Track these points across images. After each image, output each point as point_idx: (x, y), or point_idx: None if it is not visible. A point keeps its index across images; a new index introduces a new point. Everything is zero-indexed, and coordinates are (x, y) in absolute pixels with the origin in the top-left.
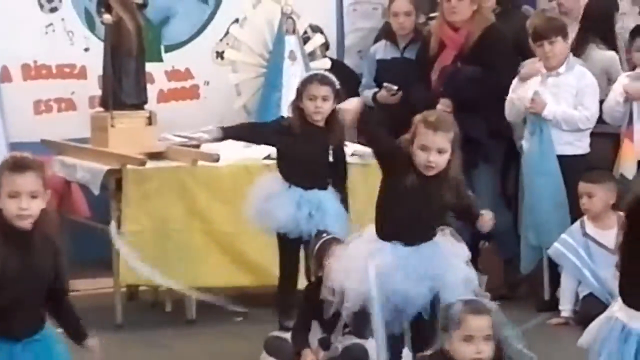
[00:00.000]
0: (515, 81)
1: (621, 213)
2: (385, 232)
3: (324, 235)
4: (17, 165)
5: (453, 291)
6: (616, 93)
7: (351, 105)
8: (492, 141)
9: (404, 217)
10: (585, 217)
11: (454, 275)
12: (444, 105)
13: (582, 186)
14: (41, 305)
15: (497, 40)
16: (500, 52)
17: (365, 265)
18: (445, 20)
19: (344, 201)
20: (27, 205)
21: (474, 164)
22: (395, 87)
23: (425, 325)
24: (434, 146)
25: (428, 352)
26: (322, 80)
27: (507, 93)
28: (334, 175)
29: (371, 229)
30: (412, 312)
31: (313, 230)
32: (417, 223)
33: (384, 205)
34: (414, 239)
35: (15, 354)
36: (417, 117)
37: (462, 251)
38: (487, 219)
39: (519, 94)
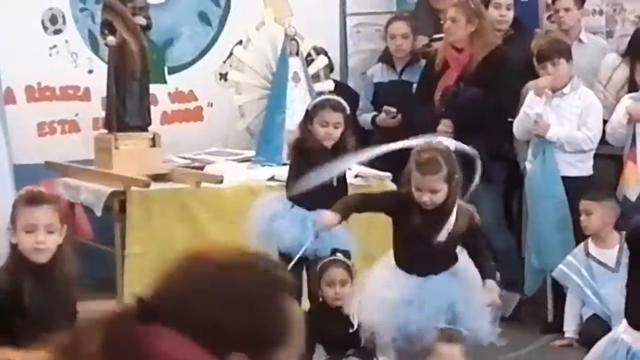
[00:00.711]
0: (529, 96)
1: (623, 232)
2: (401, 264)
3: (334, 255)
4: (33, 199)
5: (471, 318)
6: (619, 114)
7: (327, 221)
8: (494, 163)
9: (415, 251)
10: (589, 239)
11: (472, 303)
12: (444, 126)
13: (582, 204)
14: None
15: (500, 63)
16: (503, 74)
17: (382, 296)
18: (449, 36)
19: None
20: (44, 239)
21: (483, 184)
22: (395, 110)
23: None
24: (426, 188)
25: None
26: (335, 107)
27: (508, 115)
28: (337, 197)
29: (390, 256)
30: (428, 342)
31: (318, 250)
32: (428, 256)
33: (395, 240)
34: (428, 270)
35: None
36: (411, 157)
37: (478, 279)
38: (490, 290)
39: (533, 109)
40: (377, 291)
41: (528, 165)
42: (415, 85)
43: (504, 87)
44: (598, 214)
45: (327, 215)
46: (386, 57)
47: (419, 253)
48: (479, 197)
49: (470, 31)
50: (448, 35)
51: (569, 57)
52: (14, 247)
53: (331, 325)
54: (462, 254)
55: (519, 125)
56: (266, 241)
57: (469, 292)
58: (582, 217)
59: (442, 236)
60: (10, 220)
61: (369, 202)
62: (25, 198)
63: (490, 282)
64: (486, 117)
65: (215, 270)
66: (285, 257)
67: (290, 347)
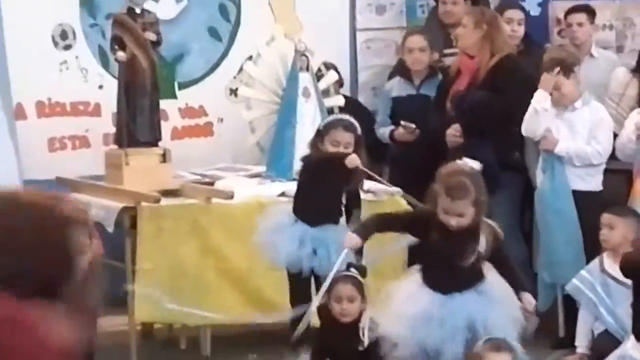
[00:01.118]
0: (538, 92)
1: None
2: (426, 280)
3: (347, 271)
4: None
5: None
6: (628, 130)
7: (353, 241)
8: (506, 172)
9: (438, 269)
10: (604, 254)
11: (494, 321)
12: (454, 130)
13: (605, 217)
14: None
15: (510, 69)
16: (513, 79)
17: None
18: (463, 49)
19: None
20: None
21: (493, 191)
22: (413, 126)
23: None
24: (454, 212)
25: None
26: (347, 127)
27: (517, 124)
28: (348, 215)
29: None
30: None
31: (318, 267)
32: (452, 274)
33: (419, 257)
34: (452, 288)
35: None
36: (439, 179)
37: (511, 295)
38: (528, 302)
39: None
40: (401, 305)
41: (538, 179)
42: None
43: (513, 94)
44: (620, 229)
45: (353, 237)
46: (403, 71)
47: (442, 271)
48: (493, 207)
49: (479, 36)
50: (459, 41)
51: (571, 72)
52: None
53: (340, 340)
54: (490, 271)
55: (526, 122)
56: (269, 252)
57: (495, 310)
58: (604, 231)
59: (470, 259)
60: None
61: (389, 223)
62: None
63: (527, 295)
64: (494, 121)
65: None
66: (293, 274)
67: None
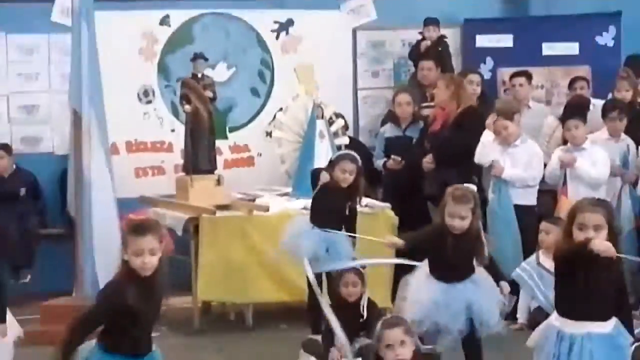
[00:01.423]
0: (485, 133)
1: None
2: (433, 273)
3: (352, 267)
4: (139, 230)
5: (485, 316)
6: (554, 161)
7: (394, 241)
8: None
9: (445, 265)
10: (540, 252)
11: (484, 306)
12: (428, 159)
13: (543, 224)
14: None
15: (471, 116)
16: (473, 123)
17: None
18: (438, 102)
19: (353, 241)
20: (149, 260)
21: None
22: (400, 158)
23: (471, 343)
24: (457, 215)
25: None
26: (352, 159)
27: (474, 153)
28: (348, 223)
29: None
30: (452, 334)
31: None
32: (455, 269)
33: (430, 257)
34: (454, 279)
35: None
36: (448, 191)
37: (493, 286)
38: (505, 288)
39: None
40: (415, 294)
41: (489, 196)
42: (415, 139)
43: (473, 134)
44: (553, 234)
45: (395, 239)
46: (393, 119)
47: (448, 267)
48: None
49: (449, 94)
50: (435, 98)
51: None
52: (125, 263)
53: (347, 314)
54: (478, 267)
55: (477, 153)
56: (293, 252)
57: (484, 295)
58: (541, 235)
59: (485, 260)
60: (122, 242)
61: (420, 239)
62: (132, 228)
63: (504, 283)
64: (457, 153)
65: None
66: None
67: None
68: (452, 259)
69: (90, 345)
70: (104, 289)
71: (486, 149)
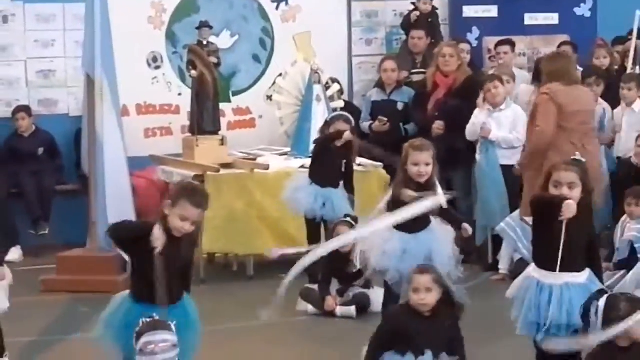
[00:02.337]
0: (475, 112)
1: None
2: (397, 225)
3: (344, 217)
4: (196, 201)
5: (442, 264)
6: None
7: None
8: (468, 152)
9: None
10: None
11: (443, 253)
12: (438, 125)
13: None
14: (182, 282)
15: (473, 85)
16: (475, 93)
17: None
18: (439, 69)
19: (352, 196)
20: (188, 228)
21: (458, 167)
22: (386, 119)
23: None
24: (422, 161)
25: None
26: (346, 120)
27: None
28: (345, 180)
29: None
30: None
31: (325, 215)
32: (416, 219)
33: (391, 208)
34: (415, 229)
35: (170, 313)
36: (406, 144)
37: (449, 235)
38: (465, 230)
39: (478, 118)
40: (381, 245)
41: (477, 157)
42: (401, 103)
43: (475, 101)
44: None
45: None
46: (380, 84)
47: (414, 220)
48: (456, 175)
49: (459, 63)
50: (445, 66)
51: (502, 82)
52: (164, 217)
53: (341, 265)
54: (435, 219)
55: (468, 131)
56: (292, 205)
57: (442, 243)
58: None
59: (442, 203)
60: (172, 198)
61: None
62: (191, 195)
63: (466, 225)
64: (465, 120)
65: None
66: (309, 219)
67: None
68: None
69: (122, 295)
70: (143, 222)
71: (475, 127)
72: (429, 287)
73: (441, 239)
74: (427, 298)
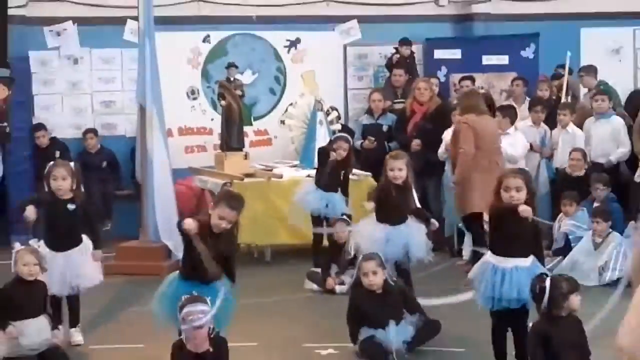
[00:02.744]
0: (445, 134)
1: None
2: (379, 219)
3: (341, 217)
4: (234, 205)
5: (417, 250)
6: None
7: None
8: (439, 165)
9: (389, 210)
10: None
11: (417, 242)
12: (415, 143)
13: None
14: (223, 270)
15: (444, 111)
16: (445, 117)
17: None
18: (416, 99)
19: (346, 199)
20: (225, 226)
21: (432, 177)
22: (373, 139)
23: (402, 267)
24: (396, 167)
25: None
26: (346, 140)
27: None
28: (342, 186)
29: (373, 216)
30: (392, 261)
31: (326, 213)
32: (396, 214)
33: (379, 207)
34: (395, 222)
35: (206, 290)
36: (387, 156)
37: (421, 228)
38: (434, 226)
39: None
40: (369, 234)
41: (446, 168)
42: (385, 126)
43: (447, 125)
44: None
45: (368, 204)
46: (369, 111)
47: (391, 212)
48: (431, 184)
49: (430, 95)
50: (420, 95)
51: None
52: (209, 215)
53: (339, 254)
54: (410, 217)
55: (440, 152)
56: (302, 205)
57: (416, 234)
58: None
59: (414, 204)
60: (216, 200)
61: (376, 195)
62: (230, 200)
63: (434, 221)
64: (438, 139)
65: None
66: (314, 216)
67: None
68: (394, 206)
69: (172, 275)
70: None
71: (443, 148)
72: (375, 270)
73: (415, 231)
74: (374, 279)
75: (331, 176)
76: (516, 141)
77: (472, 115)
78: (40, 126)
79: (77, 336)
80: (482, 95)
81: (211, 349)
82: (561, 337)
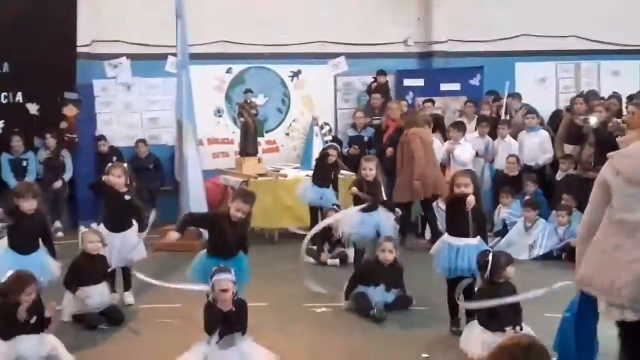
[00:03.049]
0: None
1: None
2: (358, 207)
3: (332, 206)
4: (247, 199)
5: (386, 231)
6: (442, 150)
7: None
8: None
9: (361, 201)
10: (439, 200)
11: (386, 225)
12: (389, 151)
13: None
14: (240, 246)
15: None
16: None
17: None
18: (390, 117)
19: (337, 192)
20: (240, 216)
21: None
22: (357, 147)
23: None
24: (367, 167)
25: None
26: (335, 148)
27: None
28: (333, 183)
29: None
30: (368, 238)
31: (322, 203)
32: (370, 204)
33: (355, 198)
34: (369, 210)
35: (230, 263)
36: (362, 159)
37: (389, 215)
38: (398, 213)
39: None
40: (352, 219)
41: None
42: (366, 137)
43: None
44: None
45: (353, 189)
46: (353, 125)
47: (363, 202)
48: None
49: (399, 113)
50: (392, 113)
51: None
52: (228, 208)
53: (330, 234)
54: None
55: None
56: (302, 198)
57: (385, 219)
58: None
59: (382, 196)
60: (233, 195)
61: (357, 187)
62: (244, 195)
63: (397, 209)
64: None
65: None
66: (313, 207)
67: None
68: (368, 196)
69: (201, 253)
70: (215, 211)
71: None
72: (391, 249)
73: (384, 217)
74: (389, 256)
75: (326, 175)
76: (465, 149)
77: (415, 128)
78: (102, 137)
79: (129, 298)
80: (418, 113)
81: (234, 309)
82: (499, 298)
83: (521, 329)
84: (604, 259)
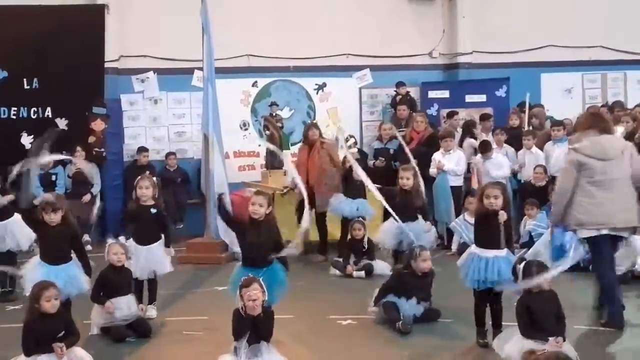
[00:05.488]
0: (433, 158)
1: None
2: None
3: (357, 218)
4: (259, 193)
5: (422, 240)
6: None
7: None
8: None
9: (401, 212)
10: (465, 213)
11: (418, 232)
12: (413, 162)
13: (469, 199)
14: (269, 252)
15: (434, 139)
16: (435, 143)
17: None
18: (414, 129)
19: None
20: (256, 210)
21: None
22: (383, 159)
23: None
24: (404, 176)
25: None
26: (359, 159)
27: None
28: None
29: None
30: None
31: (352, 214)
32: (405, 212)
33: (393, 207)
34: (406, 219)
35: (260, 273)
36: (401, 167)
37: (426, 224)
38: (428, 225)
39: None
40: (389, 229)
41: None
42: (392, 149)
43: (436, 149)
44: (474, 203)
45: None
46: (379, 137)
47: (402, 211)
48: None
49: (425, 125)
50: (417, 127)
51: (453, 137)
52: (248, 211)
53: (356, 246)
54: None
55: (431, 170)
56: (341, 211)
57: (420, 229)
58: (467, 204)
59: (420, 203)
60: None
61: (389, 196)
62: (256, 194)
63: (428, 222)
64: (429, 159)
65: None
66: (345, 218)
67: None
68: (402, 206)
69: (238, 265)
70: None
71: (434, 169)
72: (427, 259)
73: (419, 227)
74: (425, 265)
75: (355, 186)
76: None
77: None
78: (144, 149)
79: (151, 311)
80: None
81: (262, 314)
82: (540, 307)
83: (564, 340)
84: (595, 202)
